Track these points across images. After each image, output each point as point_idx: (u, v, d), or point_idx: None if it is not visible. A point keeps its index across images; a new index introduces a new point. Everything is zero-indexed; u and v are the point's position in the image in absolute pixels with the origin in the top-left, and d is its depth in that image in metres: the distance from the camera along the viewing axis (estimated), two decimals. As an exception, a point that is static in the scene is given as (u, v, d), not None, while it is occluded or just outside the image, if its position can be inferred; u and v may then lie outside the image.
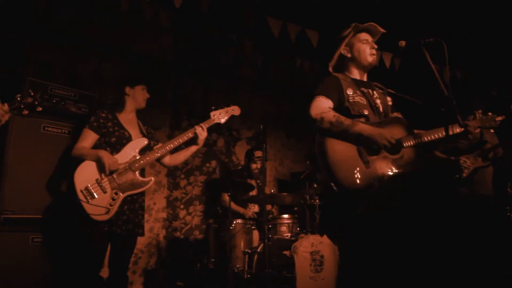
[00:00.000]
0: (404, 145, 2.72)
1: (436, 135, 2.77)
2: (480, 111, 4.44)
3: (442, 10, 5.12)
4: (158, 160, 3.70)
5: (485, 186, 4.42)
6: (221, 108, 3.82)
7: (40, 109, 2.88)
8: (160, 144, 3.71)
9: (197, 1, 4.42)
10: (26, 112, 2.82)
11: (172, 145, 3.60)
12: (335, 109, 2.75)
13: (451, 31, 4.34)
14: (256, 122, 6.62)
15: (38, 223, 3.72)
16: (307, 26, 5.00)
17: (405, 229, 2.69)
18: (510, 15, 5.07)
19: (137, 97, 3.63)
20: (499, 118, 2.94)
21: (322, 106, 2.74)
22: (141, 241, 5.30)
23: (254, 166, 5.61)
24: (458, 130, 2.76)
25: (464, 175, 4.31)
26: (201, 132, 3.64)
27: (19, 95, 2.80)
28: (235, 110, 3.87)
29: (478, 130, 2.92)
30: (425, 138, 2.76)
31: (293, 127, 7.30)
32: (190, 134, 3.64)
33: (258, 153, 5.61)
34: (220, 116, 3.80)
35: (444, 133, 2.70)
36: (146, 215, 5.39)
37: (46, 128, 3.90)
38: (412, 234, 2.74)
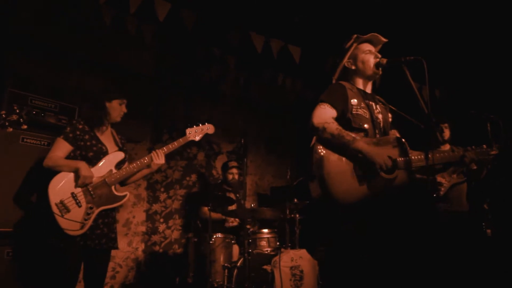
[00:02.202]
0: (399, 166, 2.71)
1: (422, 162, 2.74)
2: (446, 124, 4.56)
3: (421, 28, 5.26)
4: None
5: (461, 203, 4.50)
6: (197, 125, 3.84)
7: (25, 127, 2.83)
8: (126, 164, 3.59)
9: (181, 17, 4.46)
10: (10, 129, 2.76)
11: (135, 166, 3.51)
12: (337, 118, 2.74)
13: (429, 50, 4.44)
14: (237, 137, 6.66)
15: (9, 237, 3.64)
16: (289, 42, 5.07)
17: (390, 248, 2.69)
18: (490, 34, 5.22)
19: (111, 112, 3.51)
20: (493, 152, 2.99)
21: (326, 115, 2.72)
22: (119, 255, 5.25)
23: (230, 176, 5.67)
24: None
25: (441, 193, 4.38)
26: (156, 158, 3.56)
27: (3, 112, 2.74)
28: (210, 129, 3.89)
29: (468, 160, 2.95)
30: (414, 161, 2.76)
31: (273, 143, 7.35)
32: (146, 161, 3.54)
33: (233, 163, 5.73)
34: (196, 134, 3.81)
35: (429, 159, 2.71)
36: (125, 229, 5.38)
37: (25, 140, 3.85)
38: (396, 252, 2.74)
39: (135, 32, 4.69)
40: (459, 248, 4.10)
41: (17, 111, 2.80)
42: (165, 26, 4.55)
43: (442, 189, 4.38)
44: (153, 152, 3.57)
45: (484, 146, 2.99)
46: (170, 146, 3.64)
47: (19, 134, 3.79)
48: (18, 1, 4.32)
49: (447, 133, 4.61)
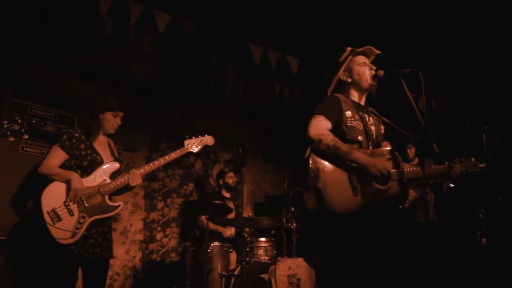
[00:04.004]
0: (393, 178, 2.75)
1: (415, 173, 2.81)
2: (410, 145, 4.71)
3: (417, 39, 5.32)
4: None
5: (427, 214, 4.50)
6: (196, 137, 3.82)
7: (26, 137, 2.83)
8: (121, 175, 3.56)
9: (182, 27, 4.50)
10: (12, 139, 2.77)
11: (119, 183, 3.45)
12: (331, 130, 2.77)
13: (424, 60, 4.49)
14: (234, 146, 6.68)
15: (3, 245, 3.64)
16: (287, 53, 5.12)
17: (384, 257, 2.72)
18: (485, 44, 5.28)
19: (104, 123, 3.50)
20: (482, 165, 2.99)
21: (322, 127, 2.75)
22: (116, 264, 5.26)
23: (231, 180, 5.75)
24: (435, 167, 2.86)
25: (407, 206, 4.40)
26: (131, 180, 3.44)
27: (5, 122, 2.74)
28: (209, 141, 3.88)
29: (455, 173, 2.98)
30: (406, 173, 2.81)
31: (270, 151, 7.38)
32: (123, 180, 3.44)
33: (228, 168, 5.87)
34: (194, 145, 3.79)
35: (421, 173, 2.76)
36: (122, 237, 5.38)
37: (25, 148, 3.87)
38: (390, 261, 2.77)
39: (136, 40, 4.73)
40: (427, 258, 4.10)
41: (19, 121, 2.79)
42: (165, 35, 4.58)
43: (407, 201, 4.41)
44: (130, 172, 3.49)
45: (473, 159, 3.02)
46: (151, 165, 3.55)
47: (19, 142, 3.81)
48: (21, 9, 4.34)
49: (411, 153, 4.78)
